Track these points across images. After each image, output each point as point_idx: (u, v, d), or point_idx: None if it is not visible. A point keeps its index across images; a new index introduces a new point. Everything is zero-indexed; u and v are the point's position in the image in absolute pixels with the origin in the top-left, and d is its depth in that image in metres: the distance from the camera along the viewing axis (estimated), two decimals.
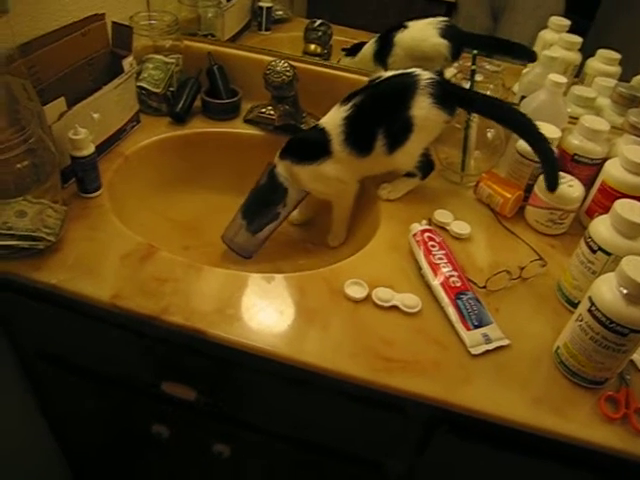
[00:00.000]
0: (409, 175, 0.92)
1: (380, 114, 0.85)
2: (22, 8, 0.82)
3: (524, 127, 0.86)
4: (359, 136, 0.85)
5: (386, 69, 1.08)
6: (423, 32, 1.07)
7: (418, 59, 1.05)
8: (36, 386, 1.02)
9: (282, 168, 0.87)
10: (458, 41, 1.05)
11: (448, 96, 0.85)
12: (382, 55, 1.10)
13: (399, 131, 0.85)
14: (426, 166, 0.92)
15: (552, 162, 0.84)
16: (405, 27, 1.09)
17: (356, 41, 1.17)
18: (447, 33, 1.05)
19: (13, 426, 1.02)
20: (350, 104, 0.85)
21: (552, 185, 0.84)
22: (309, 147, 0.86)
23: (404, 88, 0.85)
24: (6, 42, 0.80)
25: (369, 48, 1.13)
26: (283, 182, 0.87)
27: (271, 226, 0.89)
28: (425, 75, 0.85)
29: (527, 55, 1.07)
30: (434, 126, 0.87)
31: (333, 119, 0.86)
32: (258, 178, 0.89)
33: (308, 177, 0.86)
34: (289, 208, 0.89)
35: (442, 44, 1.05)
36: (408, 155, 0.88)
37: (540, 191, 0.88)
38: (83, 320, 0.80)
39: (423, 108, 0.84)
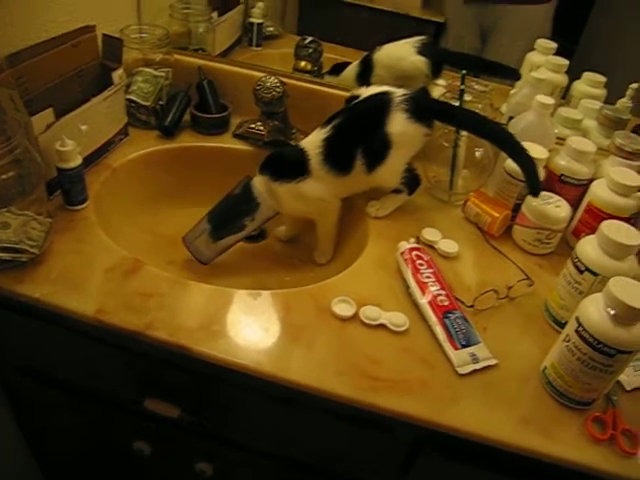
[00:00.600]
0: (396, 192, 0.93)
1: (357, 134, 0.86)
2: (12, 18, 0.82)
3: (500, 136, 0.88)
4: (338, 156, 0.85)
5: None
6: (401, 51, 1.09)
7: (399, 78, 1.07)
8: (14, 399, 1.00)
9: (259, 182, 0.87)
10: (436, 58, 1.07)
11: (423, 110, 0.87)
12: (364, 77, 1.12)
13: (377, 149, 0.86)
14: (412, 181, 0.92)
15: (531, 167, 0.84)
16: (382, 48, 1.11)
17: (342, 60, 1.18)
18: (424, 50, 1.07)
19: None
20: (329, 126, 0.86)
21: (535, 189, 0.84)
22: (287, 165, 0.86)
23: (379, 106, 0.86)
24: None
25: (352, 70, 1.15)
26: (257, 196, 0.86)
27: (234, 237, 0.89)
28: (399, 92, 0.87)
29: (506, 73, 1.10)
30: (413, 141, 0.88)
31: (313, 141, 0.86)
32: (233, 187, 0.89)
33: (288, 196, 0.86)
34: (256, 223, 0.88)
35: (420, 61, 1.06)
36: (390, 172, 0.88)
37: (528, 211, 0.89)
38: (66, 334, 0.78)
39: (399, 124, 0.85)
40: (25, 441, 1.09)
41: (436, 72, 1.08)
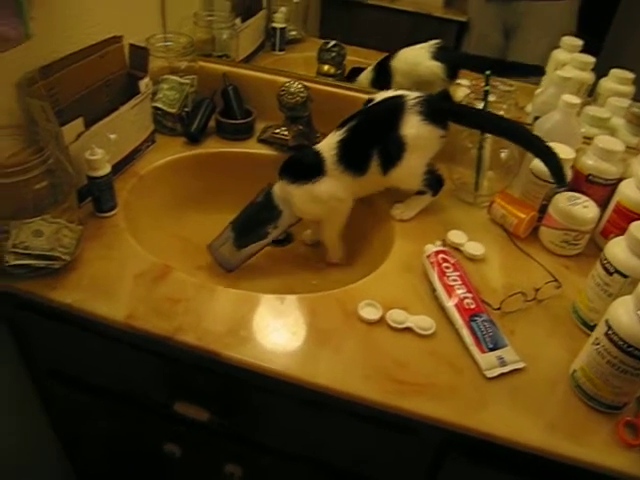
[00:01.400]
0: (420, 193, 0.93)
1: (372, 136, 0.87)
2: (45, 32, 0.84)
3: (517, 132, 0.88)
4: (353, 157, 0.86)
5: None
6: (416, 56, 1.10)
7: (417, 83, 1.08)
8: (48, 404, 1.02)
9: (279, 188, 0.88)
10: (451, 62, 1.08)
11: (437, 112, 0.87)
12: (380, 82, 1.13)
13: (392, 151, 0.87)
14: (435, 183, 0.92)
15: (553, 158, 0.84)
16: (398, 54, 1.12)
17: (365, 62, 1.19)
18: (439, 55, 1.08)
19: (24, 444, 1.03)
20: (344, 129, 0.87)
21: (560, 179, 0.84)
22: (303, 167, 0.87)
23: (393, 109, 0.87)
24: (28, 65, 0.81)
25: (367, 75, 1.16)
26: (279, 204, 0.87)
27: (257, 244, 0.90)
28: (413, 95, 0.87)
29: (528, 70, 1.11)
30: (428, 143, 0.88)
31: (328, 143, 0.88)
32: (255, 195, 0.90)
33: (302, 198, 0.86)
34: (279, 230, 0.89)
35: (435, 65, 1.07)
36: (407, 174, 0.89)
37: (554, 212, 0.88)
38: (97, 339, 0.80)
39: (413, 127, 0.86)
40: (61, 446, 1.11)
41: (452, 75, 1.09)
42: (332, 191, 0.86)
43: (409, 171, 0.89)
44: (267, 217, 0.88)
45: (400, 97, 0.88)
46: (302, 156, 0.89)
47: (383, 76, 1.13)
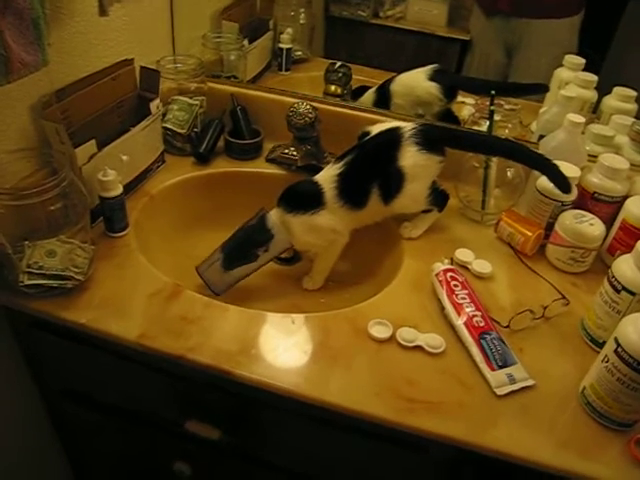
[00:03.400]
0: (426, 211, 0.94)
1: (371, 170, 0.89)
2: (61, 57, 0.86)
3: (511, 149, 0.91)
4: (352, 191, 0.87)
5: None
6: (414, 79, 1.14)
7: (416, 104, 1.13)
8: (58, 422, 1.03)
9: (276, 215, 0.88)
10: (448, 83, 1.12)
11: (433, 141, 0.89)
12: (380, 104, 1.16)
13: (392, 183, 0.88)
14: (440, 199, 0.94)
15: (552, 168, 0.86)
16: (398, 78, 1.16)
17: (369, 81, 1.21)
18: (436, 77, 1.12)
19: (33, 462, 1.03)
20: (342, 162, 0.88)
21: (564, 187, 0.85)
22: (302, 197, 0.88)
23: (390, 142, 0.89)
24: (43, 88, 0.83)
25: (369, 97, 1.19)
26: (272, 227, 0.87)
27: (246, 267, 0.89)
28: (408, 127, 0.89)
29: (529, 90, 1.14)
30: (427, 170, 0.90)
31: (327, 175, 0.88)
32: (249, 218, 0.90)
33: (301, 228, 0.87)
34: (269, 255, 0.89)
35: (432, 86, 1.11)
36: (411, 201, 0.90)
37: (561, 229, 0.89)
38: (109, 358, 0.81)
39: (410, 157, 0.87)
40: (69, 463, 1.12)
41: (450, 96, 1.13)
42: (331, 224, 0.87)
43: (412, 198, 0.90)
44: (258, 240, 0.88)
45: (396, 129, 0.89)
46: (302, 187, 0.90)
47: (383, 98, 1.16)
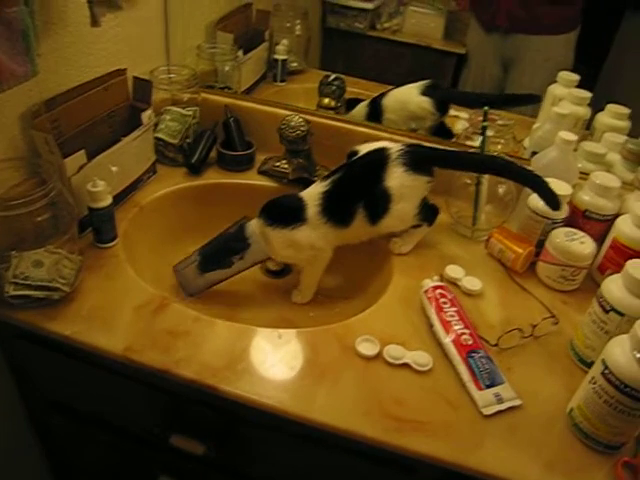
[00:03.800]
0: (416, 226, 0.94)
1: (357, 189, 0.88)
2: (49, 65, 0.85)
3: (502, 168, 0.90)
4: (337, 209, 0.87)
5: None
6: (406, 94, 1.15)
7: (409, 119, 1.13)
8: (42, 434, 1.02)
9: (256, 225, 0.88)
10: (439, 97, 1.12)
11: (420, 161, 0.88)
12: (372, 118, 1.16)
13: (379, 203, 0.88)
14: (429, 214, 0.93)
15: (542, 184, 0.86)
16: (390, 93, 1.17)
17: (365, 94, 1.21)
18: (427, 91, 1.12)
19: (16, 473, 1.02)
20: (329, 180, 0.88)
21: (554, 203, 0.85)
22: (284, 211, 0.88)
23: (377, 162, 0.88)
24: (33, 98, 0.83)
25: (360, 110, 1.19)
26: (249, 237, 0.87)
27: (221, 272, 0.90)
28: (396, 148, 0.89)
29: (522, 100, 1.15)
30: (415, 191, 0.89)
31: (313, 192, 0.88)
32: (230, 225, 0.91)
33: (280, 242, 0.86)
34: (244, 264, 0.89)
35: (424, 101, 1.12)
36: (398, 220, 0.90)
37: (551, 247, 0.88)
38: (95, 371, 0.80)
39: (397, 178, 0.87)
40: (53, 473, 1.10)
41: (442, 109, 1.13)
42: (311, 240, 0.86)
43: (399, 218, 0.90)
44: (235, 248, 0.88)
45: (383, 150, 0.89)
46: (285, 201, 0.90)
47: (375, 113, 1.16)
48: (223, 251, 0.89)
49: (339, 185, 0.87)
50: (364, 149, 0.91)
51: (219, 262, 0.89)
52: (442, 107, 1.12)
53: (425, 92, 1.11)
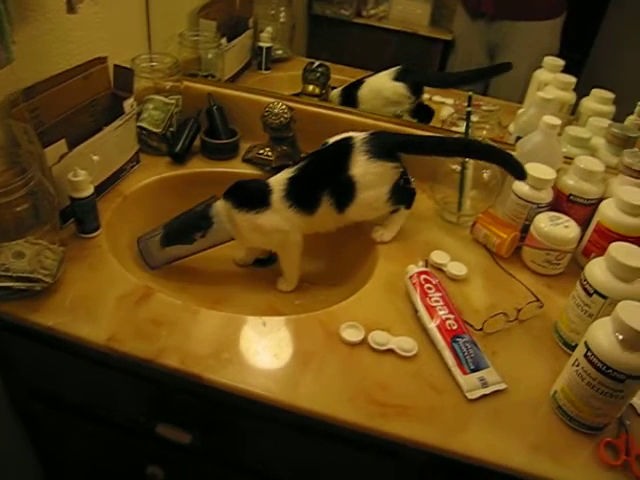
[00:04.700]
0: (394, 211, 0.93)
1: (322, 177, 0.88)
2: (28, 53, 0.84)
3: (466, 148, 0.92)
4: (301, 195, 0.87)
5: None
6: (379, 83, 1.15)
7: (385, 105, 1.13)
8: (28, 424, 1.01)
9: (222, 206, 0.88)
10: (413, 80, 1.13)
11: (383, 148, 0.88)
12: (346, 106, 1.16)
13: (344, 191, 0.88)
14: (404, 196, 0.93)
15: (505, 157, 0.88)
16: (363, 82, 1.17)
17: (350, 81, 1.21)
18: (400, 76, 1.13)
19: (5, 462, 1.01)
20: (295, 167, 0.89)
21: (520, 174, 0.87)
22: (249, 195, 0.88)
23: (342, 151, 0.88)
24: (10, 87, 0.81)
25: (335, 95, 1.19)
26: (213, 217, 0.88)
27: (182, 248, 0.91)
28: (359, 137, 0.89)
29: (494, 71, 1.17)
30: (381, 177, 0.89)
31: (279, 178, 0.88)
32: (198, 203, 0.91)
33: (245, 226, 0.87)
34: (206, 242, 0.90)
35: (398, 86, 1.12)
36: (369, 207, 0.90)
37: (536, 232, 0.88)
38: (79, 361, 0.80)
39: (360, 166, 0.87)
40: (41, 466, 1.10)
41: (417, 92, 1.14)
42: (274, 223, 0.86)
43: (368, 206, 0.90)
44: (198, 225, 0.89)
45: (348, 139, 0.89)
46: (250, 185, 0.90)
47: (349, 102, 1.16)
48: (186, 228, 0.90)
49: (304, 171, 0.88)
50: (332, 139, 0.91)
51: (181, 238, 0.90)
52: (416, 90, 1.13)
53: (398, 77, 1.12)
